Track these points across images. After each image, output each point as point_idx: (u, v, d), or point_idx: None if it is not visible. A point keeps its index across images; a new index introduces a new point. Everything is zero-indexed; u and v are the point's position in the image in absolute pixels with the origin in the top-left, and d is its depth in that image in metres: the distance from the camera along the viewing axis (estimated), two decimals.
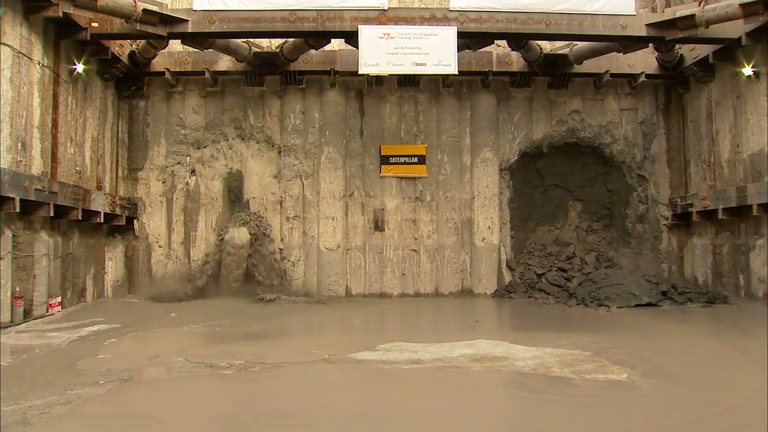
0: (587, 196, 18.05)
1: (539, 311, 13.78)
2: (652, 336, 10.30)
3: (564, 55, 15.89)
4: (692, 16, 13.26)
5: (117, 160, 16.69)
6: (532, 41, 15.13)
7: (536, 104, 17.41)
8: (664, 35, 14.01)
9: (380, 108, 17.27)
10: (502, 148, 17.29)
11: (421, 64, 13.77)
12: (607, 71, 16.48)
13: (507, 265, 17.05)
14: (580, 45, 15.49)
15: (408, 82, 16.96)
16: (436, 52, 13.67)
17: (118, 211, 15.59)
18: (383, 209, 17.06)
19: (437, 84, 17.22)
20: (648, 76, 16.73)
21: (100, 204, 14.59)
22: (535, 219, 18.06)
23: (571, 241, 17.69)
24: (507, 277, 16.88)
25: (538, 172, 18.00)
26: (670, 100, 17.55)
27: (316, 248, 16.76)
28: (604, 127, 17.34)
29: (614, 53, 15.54)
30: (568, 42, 15.55)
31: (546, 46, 15.91)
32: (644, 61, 16.56)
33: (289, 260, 16.66)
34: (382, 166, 17.05)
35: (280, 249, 16.76)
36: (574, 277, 16.39)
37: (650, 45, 15.66)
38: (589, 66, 16.30)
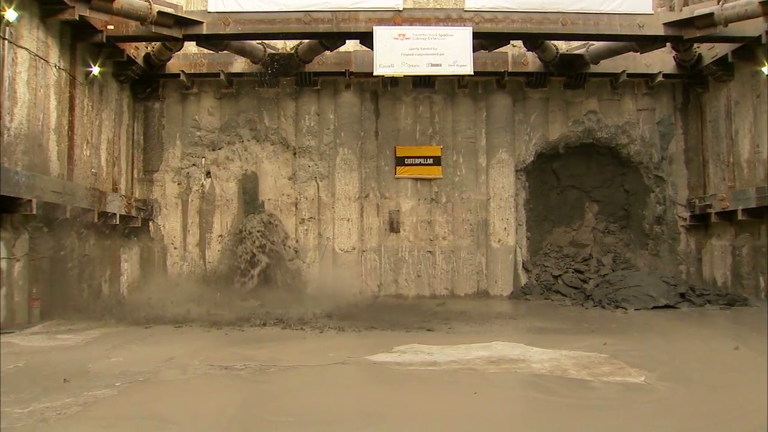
0: (604, 197, 17.91)
1: (555, 313, 13.69)
2: (670, 338, 10.20)
3: (580, 55, 15.81)
4: (711, 14, 13.14)
5: (132, 162, 16.83)
6: (547, 41, 15.06)
7: (552, 105, 17.34)
8: (682, 34, 13.90)
9: (395, 109, 17.29)
10: (518, 149, 17.24)
11: (437, 65, 13.77)
12: (624, 71, 16.37)
13: (523, 267, 17.00)
14: (597, 45, 15.40)
15: (423, 83, 16.96)
16: (451, 53, 13.65)
17: (133, 212, 15.72)
18: (398, 210, 17.06)
19: (452, 85, 17.20)
20: (665, 75, 16.58)
21: (115, 206, 14.72)
22: (552, 220, 17.96)
23: (588, 242, 17.58)
24: (523, 279, 16.84)
25: (555, 173, 17.93)
26: (688, 99, 17.38)
27: (331, 250, 16.81)
28: (621, 128, 17.22)
29: (631, 53, 15.42)
30: (584, 42, 15.47)
31: (562, 46, 15.87)
32: (662, 61, 16.43)
33: (304, 262, 16.72)
34: (398, 168, 17.06)
35: (296, 251, 16.84)
36: (590, 278, 16.30)
37: (668, 44, 15.50)
38: (606, 66, 16.19)
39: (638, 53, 15.43)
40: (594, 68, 16.19)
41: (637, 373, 7.39)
